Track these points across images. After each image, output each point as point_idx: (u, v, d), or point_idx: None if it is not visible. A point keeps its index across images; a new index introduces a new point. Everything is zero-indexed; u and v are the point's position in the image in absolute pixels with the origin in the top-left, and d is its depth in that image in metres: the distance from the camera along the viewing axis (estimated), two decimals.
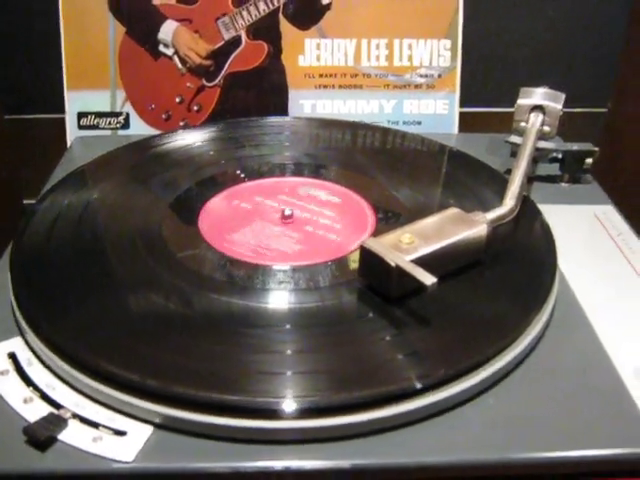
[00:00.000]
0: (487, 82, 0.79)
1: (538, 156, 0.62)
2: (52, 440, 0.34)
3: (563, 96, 0.61)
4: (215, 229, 0.50)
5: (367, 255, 0.42)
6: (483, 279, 0.45)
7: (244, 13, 0.70)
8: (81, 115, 0.71)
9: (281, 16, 0.70)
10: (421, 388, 0.36)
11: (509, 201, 0.49)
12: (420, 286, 0.39)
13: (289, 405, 0.35)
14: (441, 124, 0.73)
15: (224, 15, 0.70)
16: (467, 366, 0.37)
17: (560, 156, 0.62)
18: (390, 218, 0.52)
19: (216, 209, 0.53)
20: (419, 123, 0.73)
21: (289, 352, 0.39)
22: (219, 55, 0.71)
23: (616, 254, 0.51)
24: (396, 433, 0.36)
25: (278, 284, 0.45)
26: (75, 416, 0.36)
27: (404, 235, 0.43)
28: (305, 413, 0.35)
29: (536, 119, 0.61)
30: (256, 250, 0.48)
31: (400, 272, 0.40)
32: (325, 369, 0.38)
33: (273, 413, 0.35)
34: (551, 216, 0.52)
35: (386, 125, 0.72)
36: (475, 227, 0.45)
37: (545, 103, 0.61)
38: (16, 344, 0.41)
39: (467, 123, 0.74)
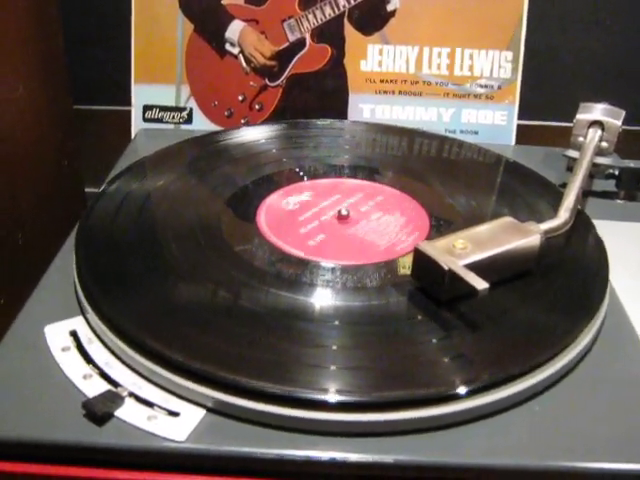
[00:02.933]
0: (547, 96, 0.79)
1: (595, 172, 0.62)
2: (109, 416, 0.36)
3: (623, 113, 0.61)
4: (272, 225, 0.51)
5: (420, 257, 0.43)
6: (534, 289, 0.45)
7: (310, 16, 0.71)
8: (146, 108, 0.73)
9: (346, 21, 0.72)
10: (467, 391, 0.37)
11: (563, 213, 0.49)
12: (471, 291, 0.40)
13: (336, 398, 0.36)
14: (498, 135, 0.73)
15: (290, 17, 0.71)
16: (512, 373, 0.38)
17: (617, 173, 0.62)
18: (444, 224, 0.53)
19: (273, 206, 0.54)
20: (476, 133, 0.73)
21: (344, 348, 0.40)
22: (283, 56, 0.72)
23: None
24: (442, 433, 0.36)
25: (330, 281, 0.46)
26: (131, 395, 0.37)
27: (457, 240, 0.44)
28: (352, 407, 0.36)
29: (594, 134, 0.61)
30: (311, 247, 0.49)
31: (452, 276, 0.41)
32: (376, 366, 0.39)
33: (322, 405, 0.36)
34: (605, 232, 0.52)
35: (443, 133, 0.72)
36: (528, 237, 0.45)
37: (604, 119, 0.61)
38: (78, 323, 0.42)
39: (524, 135, 0.74)
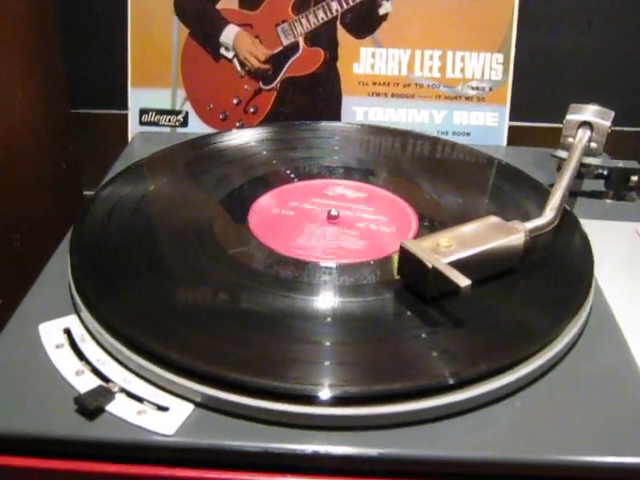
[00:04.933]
0: (538, 97, 0.80)
1: (584, 172, 0.63)
2: (100, 410, 0.37)
3: (612, 114, 0.62)
4: (263, 226, 0.52)
5: (405, 255, 0.44)
6: (519, 286, 0.46)
7: (303, 21, 0.72)
8: (143, 112, 0.74)
9: (339, 25, 0.73)
10: (451, 385, 0.37)
11: (549, 212, 0.50)
12: (454, 288, 0.41)
13: (323, 393, 0.37)
14: (490, 136, 0.74)
15: (284, 22, 0.72)
16: (497, 368, 0.39)
17: (605, 172, 0.62)
18: (433, 224, 0.53)
19: (265, 207, 0.55)
20: (468, 134, 0.74)
21: (328, 344, 0.41)
22: (277, 60, 0.74)
23: None
24: (424, 427, 0.37)
25: (320, 280, 0.46)
26: (122, 390, 0.38)
27: (442, 239, 0.45)
28: (337, 401, 0.37)
29: (583, 135, 0.61)
30: (301, 247, 0.50)
31: (436, 273, 0.42)
32: (360, 361, 0.39)
33: (306, 399, 0.36)
34: (593, 231, 0.53)
35: (436, 135, 0.73)
36: (512, 235, 0.46)
37: (593, 120, 0.62)
38: (72, 321, 0.43)
39: (516, 137, 0.74)
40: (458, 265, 0.42)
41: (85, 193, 0.85)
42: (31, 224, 0.71)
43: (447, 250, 0.44)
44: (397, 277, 0.46)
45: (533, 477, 0.37)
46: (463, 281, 0.40)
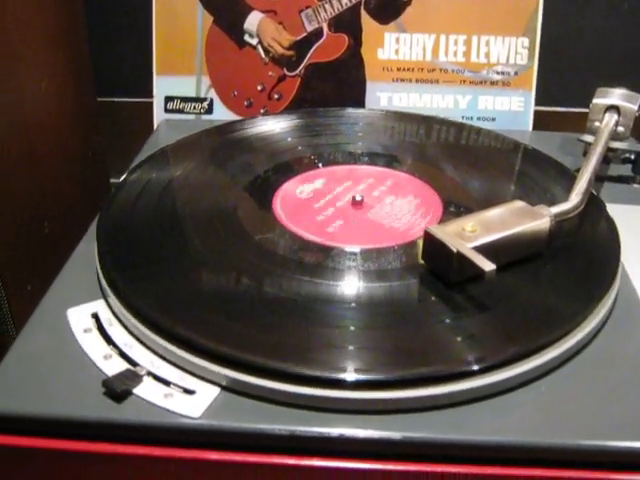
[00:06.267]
0: (564, 82, 0.79)
1: (611, 156, 0.62)
2: (128, 393, 0.37)
3: None
4: (288, 211, 0.52)
5: (430, 240, 0.44)
6: (545, 271, 0.46)
7: (327, 6, 0.72)
8: (168, 99, 0.75)
9: (362, 10, 0.72)
10: (476, 370, 0.37)
11: (574, 197, 0.50)
12: (479, 272, 0.41)
13: (348, 376, 0.37)
14: (516, 121, 0.73)
15: (307, 7, 0.72)
16: (522, 352, 0.39)
17: (632, 157, 0.62)
18: (458, 209, 0.53)
19: (290, 193, 0.55)
20: (493, 119, 0.74)
21: (352, 328, 0.41)
22: (301, 46, 0.73)
23: None
24: (449, 410, 0.37)
25: (344, 265, 0.46)
26: (149, 374, 0.39)
27: (467, 223, 0.44)
28: (362, 385, 0.37)
29: (610, 119, 0.61)
30: (326, 232, 0.50)
31: (460, 258, 0.42)
32: (384, 346, 0.40)
33: (332, 383, 0.37)
34: (620, 215, 0.52)
35: (460, 120, 0.73)
36: (538, 220, 0.46)
37: (620, 103, 0.61)
38: (99, 306, 0.44)
39: (542, 122, 0.74)
40: (483, 250, 0.42)
41: (111, 180, 0.86)
42: (59, 211, 0.72)
43: (472, 235, 0.44)
44: (421, 262, 0.46)
45: (558, 461, 0.36)
46: (488, 266, 0.40)
